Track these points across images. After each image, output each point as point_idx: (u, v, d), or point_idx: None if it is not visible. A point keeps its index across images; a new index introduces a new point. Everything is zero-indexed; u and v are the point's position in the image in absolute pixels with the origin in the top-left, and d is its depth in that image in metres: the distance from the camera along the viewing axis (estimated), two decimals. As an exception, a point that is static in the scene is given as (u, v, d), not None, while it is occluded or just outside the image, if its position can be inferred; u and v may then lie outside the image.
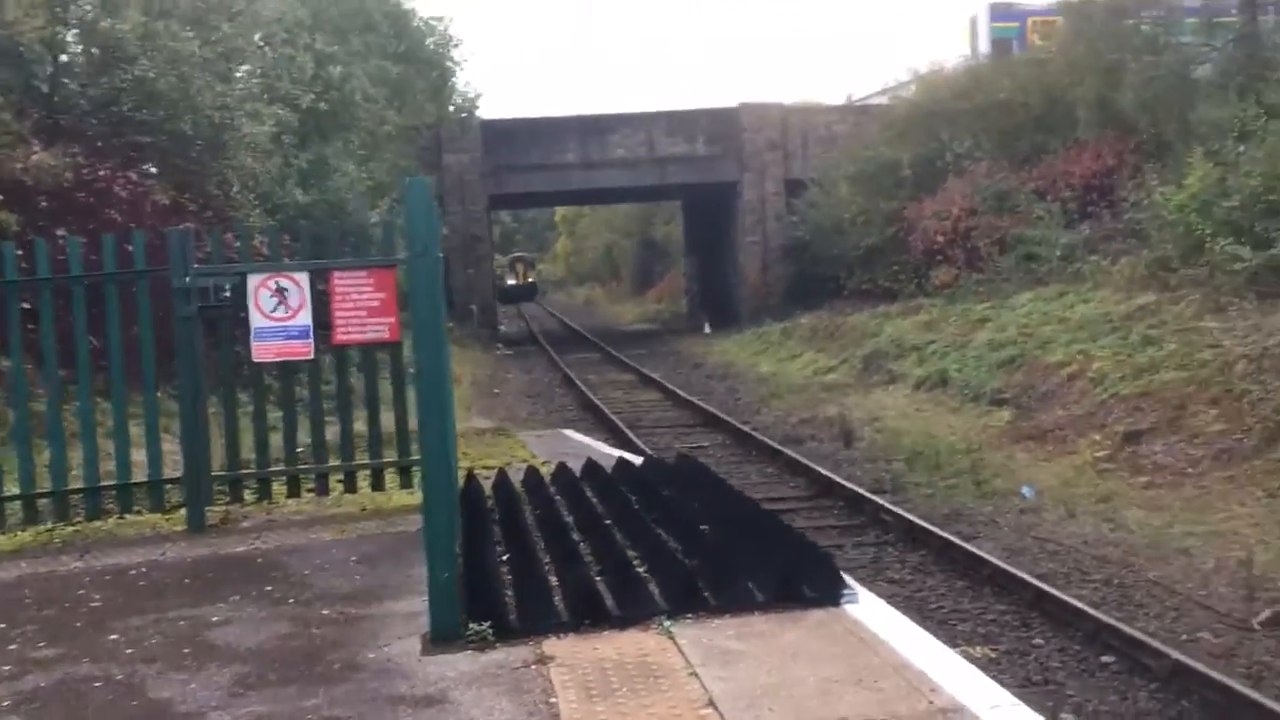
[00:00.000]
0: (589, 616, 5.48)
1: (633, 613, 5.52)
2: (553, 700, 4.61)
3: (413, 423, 7.17)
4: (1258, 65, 19.89)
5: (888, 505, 11.42)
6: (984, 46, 36.51)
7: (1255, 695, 6.56)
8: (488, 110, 37.47)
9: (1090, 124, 23.39)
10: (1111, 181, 22.76)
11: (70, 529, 8.24)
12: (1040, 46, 30.16)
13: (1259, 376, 12.60)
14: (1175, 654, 7.15)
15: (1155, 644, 7.38)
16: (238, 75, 17.48)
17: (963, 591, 9.14)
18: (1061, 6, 24.67)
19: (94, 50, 15.28)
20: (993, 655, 7.70)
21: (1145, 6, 22.55)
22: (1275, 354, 12.86)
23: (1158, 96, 21.03)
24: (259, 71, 18.57)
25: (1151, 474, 12.06)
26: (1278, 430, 11.45)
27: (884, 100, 37.17)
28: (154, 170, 14.67)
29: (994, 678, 6.56)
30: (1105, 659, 7.54)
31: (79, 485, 8.48)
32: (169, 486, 8.64)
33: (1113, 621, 7.86)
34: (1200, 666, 6.99)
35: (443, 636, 5.35)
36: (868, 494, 11.94)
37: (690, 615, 5.52)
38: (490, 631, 5.33)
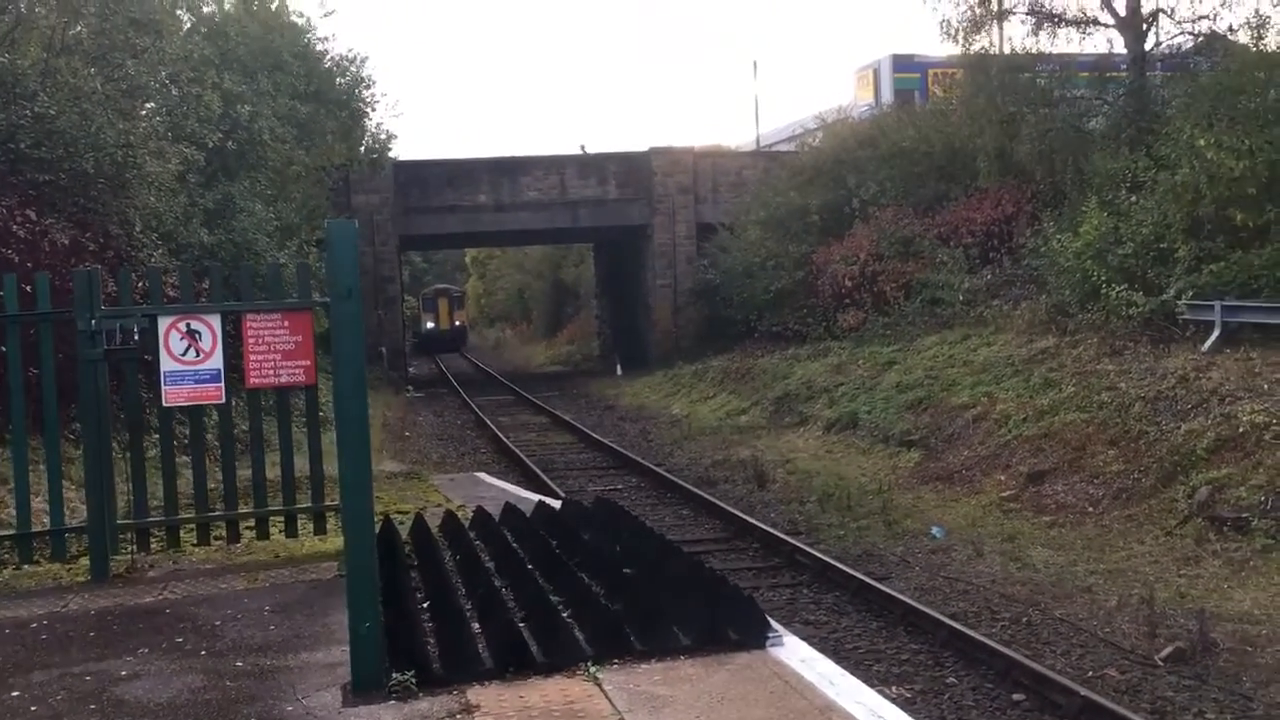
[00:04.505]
0: (514, 663, 5.43)
1: (558, 659, 5.49)
2: (479, 750, 4.56)
3: (328, 467, 7.05)
4: (1147, 118, 20.76)
5: (802, 546, 11.54)
6: (887, 96, 37.47)
7: (1161, 729, 6.76)
8: (401, 151, 37.20)
9: (990, 173, 24.13)
10: (1011, 228, 23.47)
11: (-35, 581, 7.91)
12: (941, 97, 31.04)
13: (1154, 418, 13.07)
14: (1083, 691, 7.33)
15: (1064, 681, 7.56)
16: (142, 113, 17.13)
17: (877, 631, 9.25)
18: (961, 59, 25.40)
19: (-9, 85, 14.83)
20: (908, 695, 7.80)
21: (1040, 61, 23.35)
22: (1169, 396, 13.36)
23: (1053, 147, 21.81)
24: (164, 109, 18.23)
25: (1055, 513, 12.39)
26: (1174, 470, 11.86)
27: (792, 147, 37.92)
28: (54, 209, 14.24)
29: (911, 717, 6.66)
30: (1016, 696, 7.69)
31: (-26, 535, 8.17)
32: (71, 535, 8.35)
33: (1022, 659, 8.03)
34: (1108, 703, 7.17)
35: (365, 687, 5.26)
36: (782, 535, 12.06)
37: (616, 660, 5.50)
38: (413, 681, 5.25)
